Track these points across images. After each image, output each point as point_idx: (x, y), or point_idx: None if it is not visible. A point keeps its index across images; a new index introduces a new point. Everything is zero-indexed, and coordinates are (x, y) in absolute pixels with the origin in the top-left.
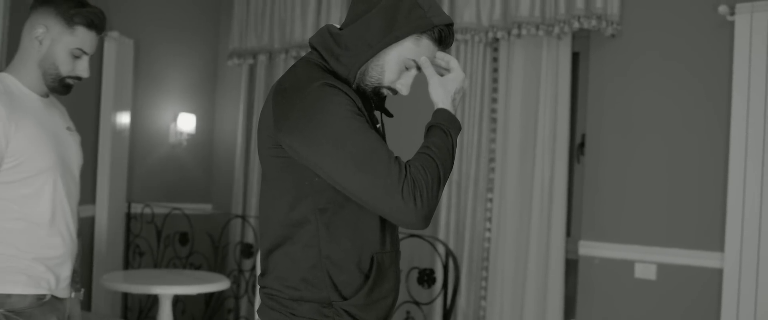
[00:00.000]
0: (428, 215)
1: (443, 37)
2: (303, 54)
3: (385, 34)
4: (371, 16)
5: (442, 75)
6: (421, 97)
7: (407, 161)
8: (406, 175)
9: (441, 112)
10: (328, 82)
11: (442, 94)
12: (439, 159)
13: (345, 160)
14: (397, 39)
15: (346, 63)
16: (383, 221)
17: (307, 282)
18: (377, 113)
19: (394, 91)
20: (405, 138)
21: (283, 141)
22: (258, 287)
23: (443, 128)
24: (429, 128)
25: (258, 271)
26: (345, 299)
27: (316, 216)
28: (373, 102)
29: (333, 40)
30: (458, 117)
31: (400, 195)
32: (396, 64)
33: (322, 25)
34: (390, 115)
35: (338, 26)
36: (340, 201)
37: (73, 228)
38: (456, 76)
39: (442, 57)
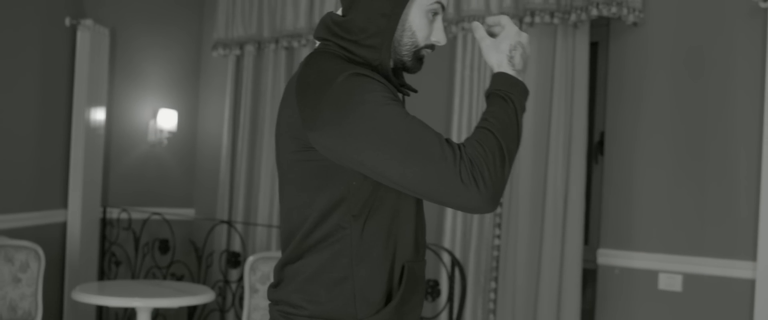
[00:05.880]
0: (495, 196)
1: None
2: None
3: None
4: None
5: (493, 36)
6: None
7: (465, 140)
8: (461, 156)
9: (498, 77)
10: (356, 71)
11: (495, 56)
12: (498, 131)
13: (391, 150)
14: None
15: (373, 43)
16: (417, 227)
17: (333, 294)
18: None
19: (432, 46)
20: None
21: (316, 141)
22: (269, 302)
23: (501, 94)
24: (487, 97)
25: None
26: (372, 313)
27: (350, 223)
28: (393, 83)
29: (340, 28)
30: (522, 77)
31: (459, 179)
32: (422, 18)
33: (316, 11)
34: (414, 91)
35: (338, 13)
36: (375, 206)
37: None
38: (508, 33)
39: (493, 20)
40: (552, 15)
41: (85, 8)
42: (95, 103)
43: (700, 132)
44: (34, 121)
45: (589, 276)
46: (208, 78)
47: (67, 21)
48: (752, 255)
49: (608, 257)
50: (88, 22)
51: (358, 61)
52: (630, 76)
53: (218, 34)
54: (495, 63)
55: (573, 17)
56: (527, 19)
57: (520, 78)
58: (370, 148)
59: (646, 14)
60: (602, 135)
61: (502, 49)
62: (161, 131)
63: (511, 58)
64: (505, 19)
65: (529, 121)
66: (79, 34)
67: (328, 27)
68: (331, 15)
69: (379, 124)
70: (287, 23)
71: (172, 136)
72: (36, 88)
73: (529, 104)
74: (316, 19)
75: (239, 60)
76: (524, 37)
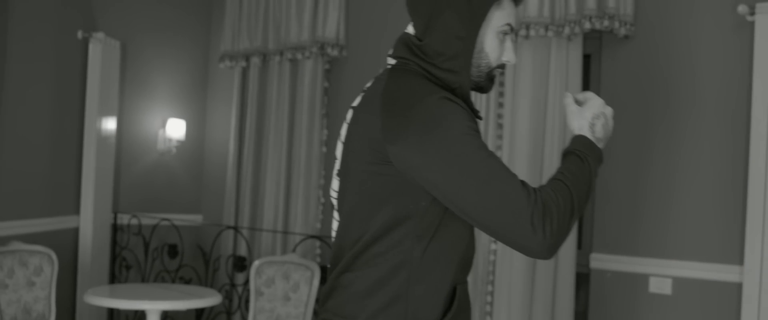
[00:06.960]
0: (556, 245)
1: None
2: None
3: (471, 19)
4: (442, 12)
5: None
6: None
7: (538, 187)
8: (535, 200)
9: (578, 138)
10: (447, 96)
11: (578, 122)
12: (573, 186)
13: (469, 181)
14: (483, 17)
15: (451, 67)
16: (472, 251)
17: (386, 310)
18: None
19: (503, 66)
20: None
21: (395, 155)
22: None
23: (579, 154)
24: (564, 155)
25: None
26: None
27: (413, 242)
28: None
29: (420, 50)
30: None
31: (529, 222)
32: (494, 40)
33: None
34: (478, 111)
35: (410, 33)
36: (440, 229)
37: None
38: (593, 104)
39: (581, 96)
40: (546, 28)
41: (97, 22)
42: (106, 112)
43: (689, 140)
44: (47, 130)
45: (582, 279)
46: (215, 89)
47: (80, 34)
48: (739, 260)
49: (601, 261)
50: (100, 35)
51: (438, 83)
52: (622, 86)
53: (225, 47)
54: (576, 126)
55: (567, 30)
56: (523, 32)
57: (599, 146)
58: (448, 174)
59: (638, 27)
60: None
61: (585, 116)
62: (170, 140)
63: (592, 126)
64: (590, 94)
65: (524, 130)
66: (91, 47)
67: (409, 47)
68: (409, 36)
69: (462, 153)
70: (291, 36)
71: (181, 144)
72: (49, 99)
73: (526, 114)
74: (319, 32)
75: (245, 71)
76: (609, 110)
